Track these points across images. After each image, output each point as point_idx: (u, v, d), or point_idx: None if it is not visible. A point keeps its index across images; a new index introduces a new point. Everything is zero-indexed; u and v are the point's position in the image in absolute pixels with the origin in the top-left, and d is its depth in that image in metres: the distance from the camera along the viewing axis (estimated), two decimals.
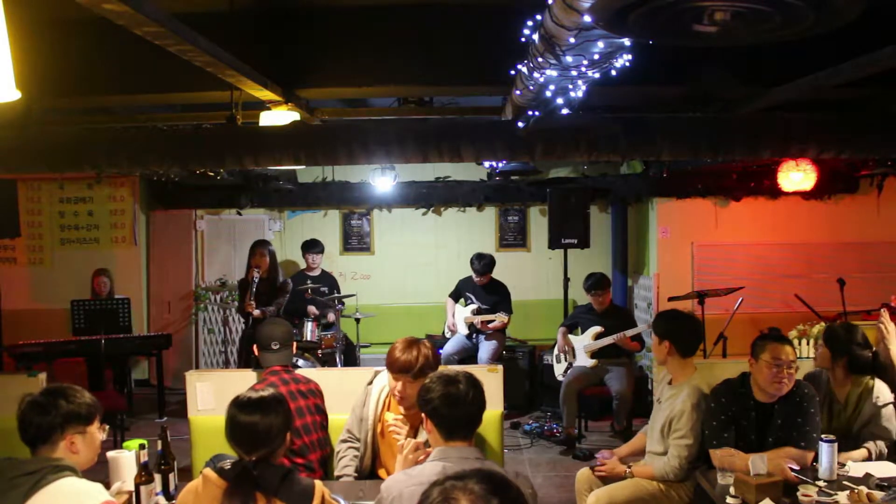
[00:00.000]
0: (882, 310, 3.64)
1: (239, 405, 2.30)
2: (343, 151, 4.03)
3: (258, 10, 4.08)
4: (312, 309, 6.60)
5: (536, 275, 8.26)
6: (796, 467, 2.95)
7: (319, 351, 6.25)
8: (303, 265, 7.10)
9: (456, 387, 2.31)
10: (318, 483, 2.32)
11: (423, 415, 2.37)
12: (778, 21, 1.97)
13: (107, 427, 2.42)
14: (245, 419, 2.24)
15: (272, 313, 5.82)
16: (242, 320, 6.39)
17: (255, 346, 3.58)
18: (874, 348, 3.47)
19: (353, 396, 3.31)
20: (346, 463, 3.18)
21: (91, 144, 4.16)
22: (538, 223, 8.31)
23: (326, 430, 3.38)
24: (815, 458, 3.00)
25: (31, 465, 2.10)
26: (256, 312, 5.74)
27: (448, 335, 6.75)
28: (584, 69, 2.77)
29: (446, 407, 2.28)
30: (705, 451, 3.24)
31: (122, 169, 5.38)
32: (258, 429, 2.23)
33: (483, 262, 6.48)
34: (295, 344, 3.62)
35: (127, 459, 2.87)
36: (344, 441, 3.24)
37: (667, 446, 3.37)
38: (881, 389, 3.28)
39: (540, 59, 2.77)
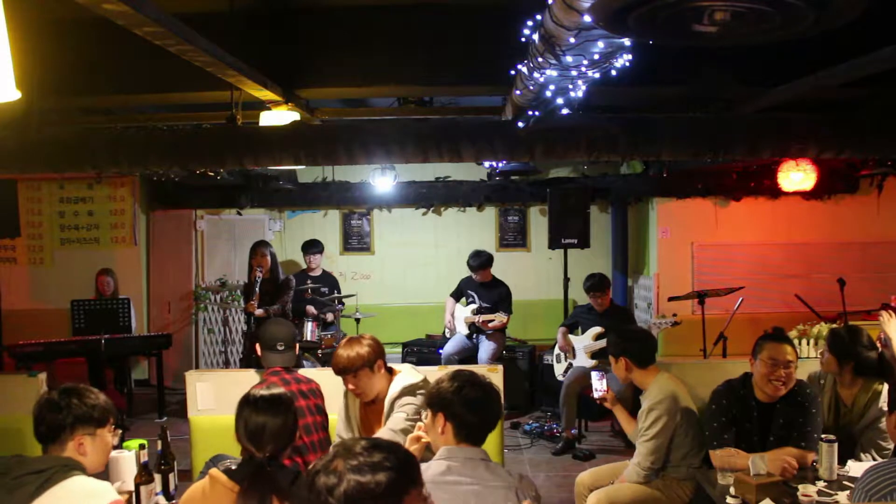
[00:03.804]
0: (882, 311, 3.60)
1: (251, 402, 2.29)
2: (343, 151, 4.03)
3: (258, 10, 4.08)
4: (311, 309, 6.60)
5: (536, 275, 8.27)
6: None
7: (319, 351, 6.25)
8: (303, 265, 7.10)
9: (481, 391, 2.27)
10: None
11: (431, 413, 2.32)
12: (778, 21, 1.97)
13: (119, 431, 2.41)
14: (259, 416, 2.24)
15: (277, 312, 5.80)
16: (244, 320, 6.40)
17: (257, 346, 3.58)
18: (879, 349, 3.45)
19: None
20: None
21: (91, 144, 4.16)
22: (538, 223, 8.32)
23: (327, 430, 3.38)
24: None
25: (40, 463, 2.08)
26: (259, 312, 5.72)
27: (447, 335, 6.76)
28: (584, 69, 2.78)
29: (471, 413, 2.23)
30: (706, 452, 3.25)
31: (122, 169, 5.39)
32: (271, 426, 2.23)
33: (479, 259, 6.47)
34: (297, 346, 3.63)
35: (127, 459, 2.87)
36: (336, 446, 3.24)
37: None
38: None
39: (540, 59, 2.77)
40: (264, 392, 2.33)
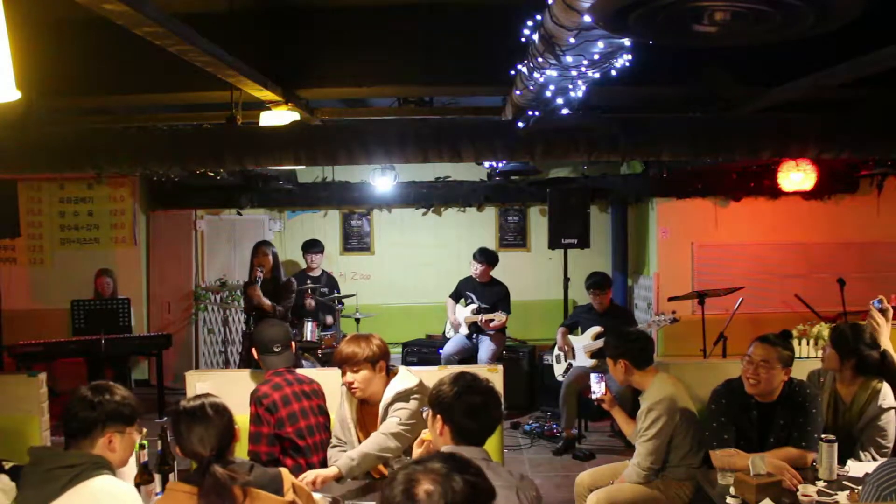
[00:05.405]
0: (871, 305, 3.59)
1: (183, 415, 2.27)
2: (343, 151, 4.03)
3: (258, 10, 4.09)
4: (310, 302, 6.58)
5: (536, 275, 8.26)
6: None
7: (319, 351, 6.25)
8: (303, 265, 7.10)
9: (482, 397, 2.26)
10: (284, 470, 2.35)
11: (431, 413, 2.32)
12: (778, 21, 1.97)
13: (144, 430, 2.41)
14: (196, 427, 2.23)
15: (281, 314, 5.76)
16: (244, 320, 6.37)
17: (253, 350, 3.57)
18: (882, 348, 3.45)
19: None
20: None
21: (91, 144, 4.16)
22: (538, 223, 8.32)
23: (329, 431, 3.37)
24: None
25: (71, 458, 2.10)
26: (267, 303, 5.65)
27: (452, 333, 6.75)
28: (584, 69, 2.78)
29: (469, 419, 2.22)
30: (705, 453, 3.25)
31: (122, 169, 5.39)
32: (208, 433, 2.23)
33: (488, 255, 6.53)
34: (294, 344, 3.62)
35: None
36: (333, 447, 3.24)
37: None
38: (887, 393, 3.25)
39: (540, 59, 2.78)
40: (194, 403, 2.30)
